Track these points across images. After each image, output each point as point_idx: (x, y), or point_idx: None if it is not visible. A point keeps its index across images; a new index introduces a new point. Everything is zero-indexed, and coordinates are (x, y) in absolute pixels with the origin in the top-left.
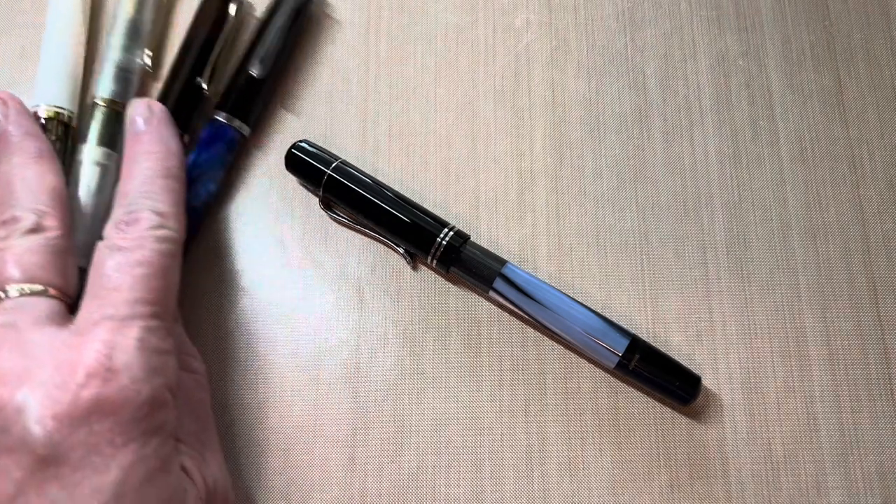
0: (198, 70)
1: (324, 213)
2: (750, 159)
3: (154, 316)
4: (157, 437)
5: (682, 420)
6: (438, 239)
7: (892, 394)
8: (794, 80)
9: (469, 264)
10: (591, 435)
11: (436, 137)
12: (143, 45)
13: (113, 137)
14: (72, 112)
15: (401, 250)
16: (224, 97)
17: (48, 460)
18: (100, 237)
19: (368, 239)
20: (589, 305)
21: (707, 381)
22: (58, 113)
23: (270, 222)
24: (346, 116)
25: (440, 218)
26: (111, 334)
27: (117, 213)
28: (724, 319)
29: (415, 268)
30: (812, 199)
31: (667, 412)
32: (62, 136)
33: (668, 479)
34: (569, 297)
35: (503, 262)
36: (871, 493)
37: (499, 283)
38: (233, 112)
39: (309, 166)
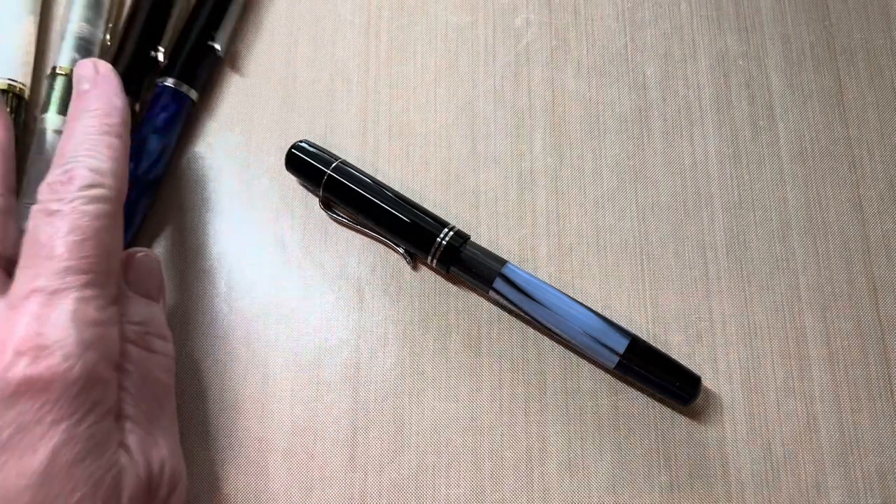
0: (148, 37)
1: (324, 213)
2: (750, 159)
3: (89, 284)
4: (92, 414)
5: (682, 420)
6: (438, 239)
7: (892, 394)
8: (794, 80)
9: (469, 264)
10: (591, 435)
11: (436, 137)
12: (103, 14)
13: None
14: (24, 84)
15: (401, 250)
16: (171, 62)
17: None
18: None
19: (368, 239)
20: (589, 305)
21: (707, 382)
22: (10, 85)
23: (270, 222)
24: (346, 116)
25: (440, 218)
26: (42, 308)
27: (54, 172)
28: (724, 319)
29: (415, 268)
30: (812, 199)
31: (667, 412)
32: (15, 107)
33: (668, 479)
34: (569, 297)
35: (503, 262)
36: (871, 493)
37: (499, 283)
38: (181, 77)
39: (309, 166)
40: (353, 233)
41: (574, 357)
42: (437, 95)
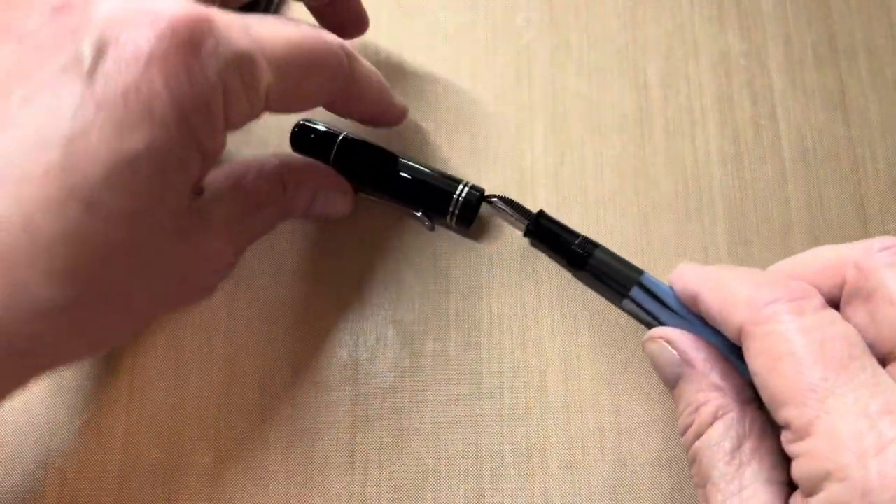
0: None
1: None
2: (752, 159)
3: None
4: None
5: None
6: (455, 196)
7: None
8: (795, 79)
9: (602, 272)
10: (592, 435)
11: (435, 137)
12: None
13: None
14: None
15: (418, 214)
16: None
17: None
18: None
19: (367, 238)
20: None
21: None
22: None
23: None
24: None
25: (454, 176)
26: None
27: None
28: None
29: (432, 229)
30: (814, 198)
31: (668, 412)
32: None
33: (669, 480)
34: None
35: (640, 270)
36: None
37: (636, 292)
38: None
39: (316, 142)
40: (352, 231)
41: (574, 357)
42: (437, 95)
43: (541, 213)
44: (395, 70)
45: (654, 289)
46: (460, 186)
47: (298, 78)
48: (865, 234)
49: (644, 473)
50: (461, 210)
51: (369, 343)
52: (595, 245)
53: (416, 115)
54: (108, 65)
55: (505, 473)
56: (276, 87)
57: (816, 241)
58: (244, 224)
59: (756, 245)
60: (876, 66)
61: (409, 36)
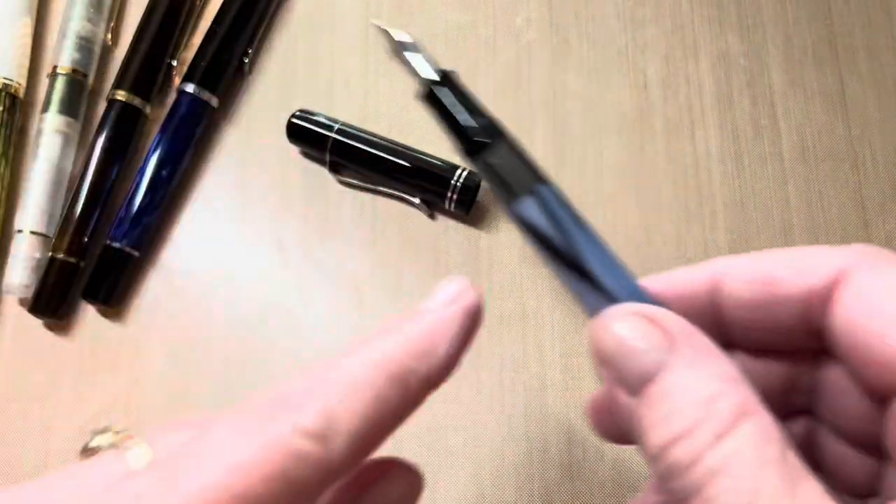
0: (162, 40)
1: (321, 213)
2: (752, 159)
3: None
4: None
5: None
6: (453, 182)
7: None
8: (795, 80)
9: (495, 169)
10: (592, 436)
11: (435, 136)
12: (105, 15)
13: (74, 106)
14: (20, 83)
15: (416, 201)
16: (192, 68)
17: None
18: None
19: (368, 237)
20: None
21: None
22: (6, 84)
23: (269, 222)
24: (346, 116)
25: (451, 162)
26: None
27: (290, 383)
28: None
29: (432, 217)
30: (814, 198)
31: None
32: (10, 106)
33: None
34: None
35: (546, 180)
36: None
37: (529, 205)
38: (202, 84)
39: (313, 132)
40: (352, 231)
41: (574, 357)
42: None
43: (446, 75)
44: (396, 70)
45: (555, 207)
46: (458, 171)
47: None
48: (866, 234)
49: (644, 473)
50: (460, 193)
51: None
52: (500, 134)
53: (415, 115)
54: None
55: (504, 474)
56: None
57: (816, 241)
58: None
59: (756, 245)
60: (876, 66)
61: (408, 35)
